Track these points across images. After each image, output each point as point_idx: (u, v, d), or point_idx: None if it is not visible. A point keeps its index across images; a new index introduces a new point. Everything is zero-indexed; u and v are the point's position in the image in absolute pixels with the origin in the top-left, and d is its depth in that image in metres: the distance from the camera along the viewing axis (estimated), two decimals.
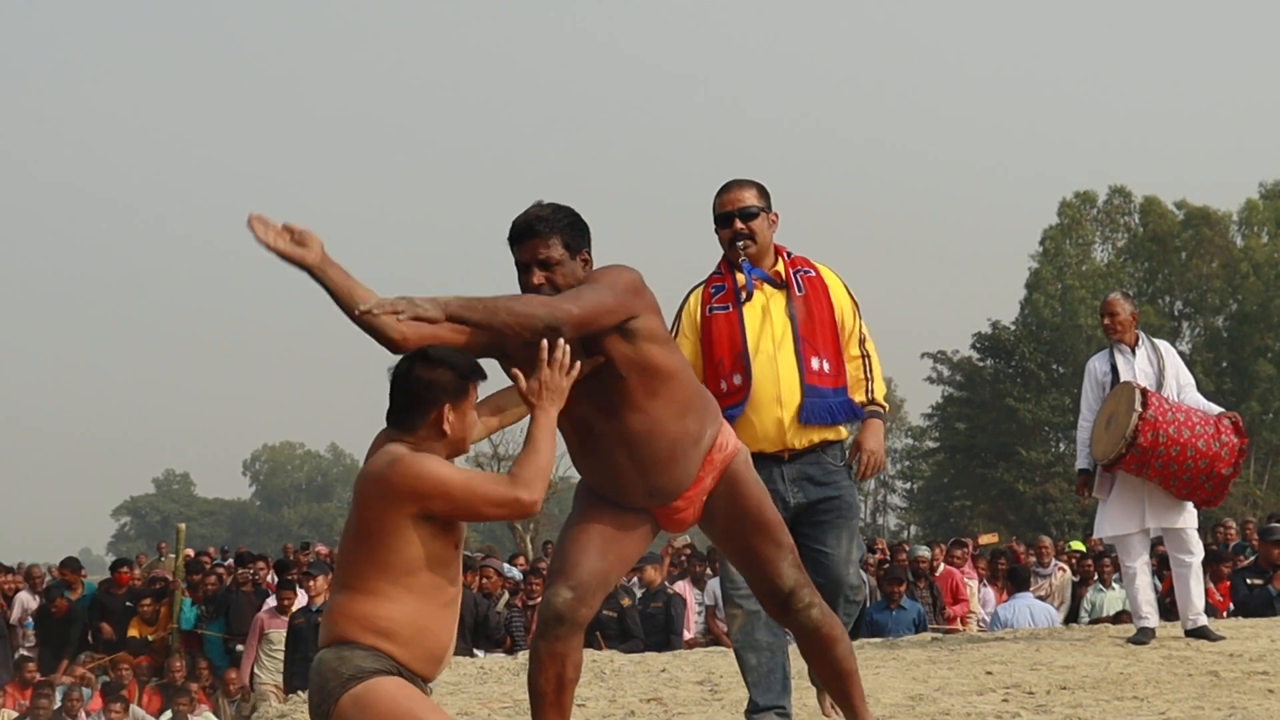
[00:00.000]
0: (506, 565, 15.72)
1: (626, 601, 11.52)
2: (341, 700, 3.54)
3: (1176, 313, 51.58)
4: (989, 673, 6.78)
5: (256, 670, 11.92)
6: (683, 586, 12.32)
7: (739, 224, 5.23)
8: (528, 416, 3.81)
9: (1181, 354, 8.46)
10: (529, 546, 29.60)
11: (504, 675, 7.78)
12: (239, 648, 12.73)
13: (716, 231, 5.31)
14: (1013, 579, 12.60)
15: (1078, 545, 16.98)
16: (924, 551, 12.88)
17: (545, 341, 3.72)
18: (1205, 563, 9.34)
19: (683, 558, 14.20)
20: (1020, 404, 48.40)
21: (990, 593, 13.08)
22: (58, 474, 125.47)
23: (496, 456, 35.96)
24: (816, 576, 4.91)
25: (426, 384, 3.66)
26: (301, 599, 11.94)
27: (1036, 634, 9.11)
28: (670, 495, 4.14)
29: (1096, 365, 8.00)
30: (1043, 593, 12.85)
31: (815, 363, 5.18)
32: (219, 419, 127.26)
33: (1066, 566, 13.59)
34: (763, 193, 5.30)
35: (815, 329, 5.23)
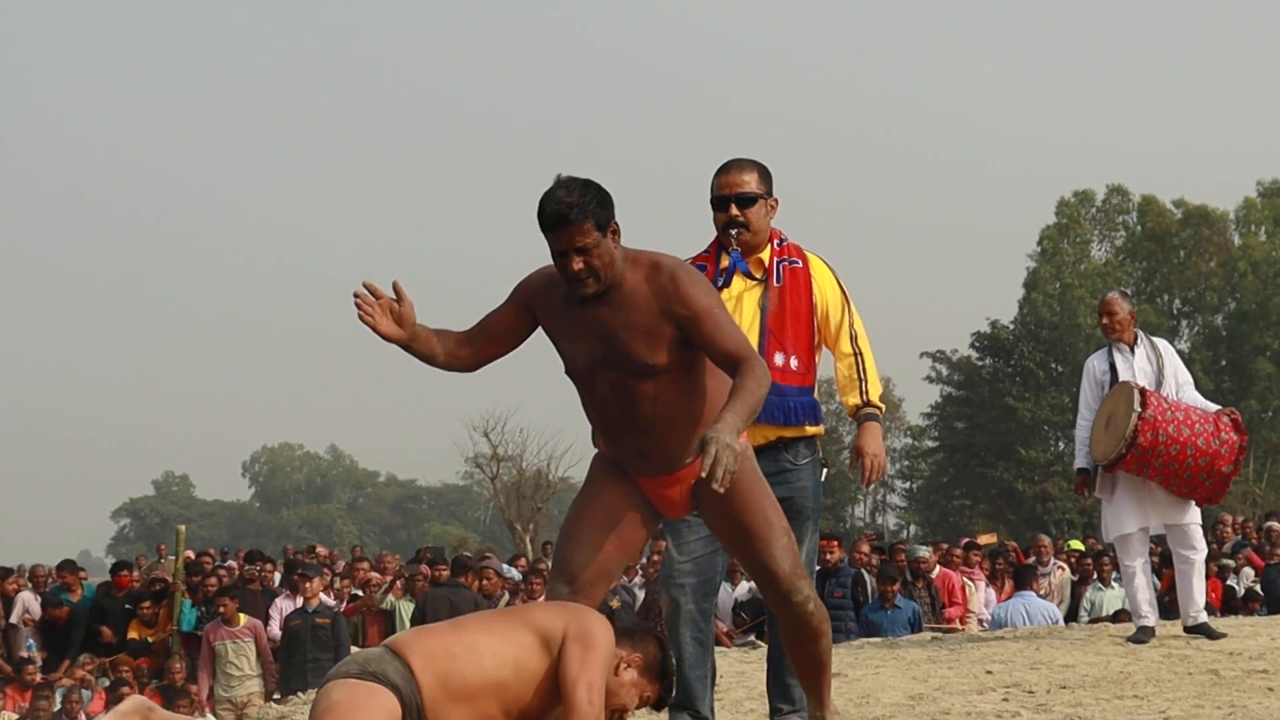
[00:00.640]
0: (506, 566, 15.74)
1: (616, 603, 11.46)
2: None
3: (1175, 311, 51.60)
4: (989, 672, 6.78)
5: (216, 688, 11.84)
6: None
7: (735, 210, 5.00)
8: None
9: (1180, 352, 8.48)
10: (529, 547, 29.60)
11: None
12: None
13: (712, 210, 5.08)
14: (1016, 578, 12.62)
15: (1076, 544, 17.00)
16: (924, 552, 12.86)
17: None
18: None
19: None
20: (1019, 403, 48.43)
21: (991, 593, 13.09)
22: (57, 476, 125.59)
23: (496, 457, 35.96)
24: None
25: None
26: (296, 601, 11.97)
27: (1036, 633, 9.12)
28: (658, 465, 4.20)
29: (1095, 364, 7.99)
30: (1042, 591, 12.86)
31: (779, 358, 4.97)
32: (218, 420, 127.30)
33: (1065, 565, 13.61)
34: (764, 176, 5.07)
35: (786, 323, 5.01)
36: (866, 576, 11.97)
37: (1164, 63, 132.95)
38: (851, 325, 5.15)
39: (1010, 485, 47.80)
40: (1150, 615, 7.75)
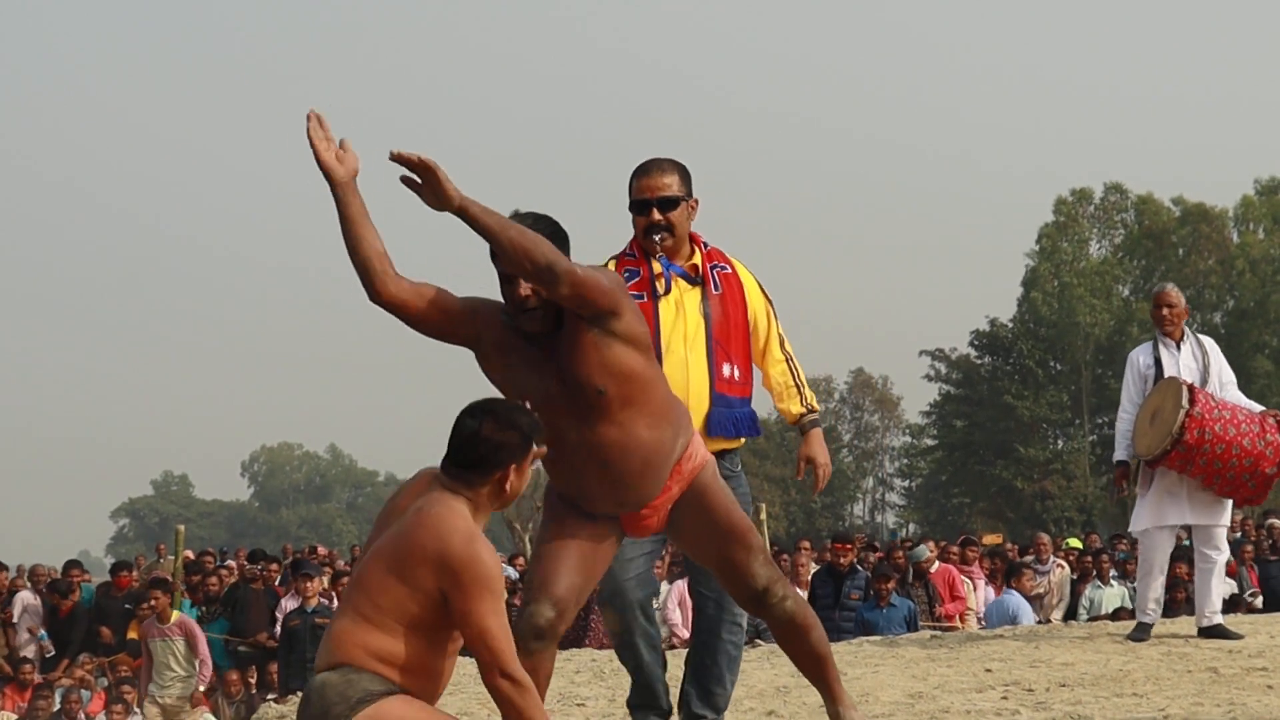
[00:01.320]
0: (505, 565, 15.72)
1: None
2: None
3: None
4: (988, 670, 6.78)
5: (151, 689, 11.45)
6: (681, 585, 12.31)
7: (657, 214, 4.80)
8: None
9: None
10: (527, 546, 29.56)
11: None
12: (241, 648, 12.73)
13: (631, 214, 4.88)
14: (1006, 575, 12.62)
15: (1075, 542, 17.02)
16: (926, 554, 12.82)
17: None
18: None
19: (682, 556, 14.18)
20: (1018, 401, 48.46)
21: (991, 591, 13.09)
22: (56, 476, 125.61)
23: None
24: (703, 589, 4.88)
25: (495, 445, 3.68)
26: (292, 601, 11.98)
27: (1035, 631, 9.12)
28: (638, 505, 4.15)
29: (1140, 358, 7.87)
30: (1041, 590, 12.85)
31: (726, 369, 4.85)
32: (217, 420, 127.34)
33: (1065, 564, 13.60)
34: (685, 177, 4.87)
35: (730, 332, 4.88)
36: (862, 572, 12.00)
37: (1162, 61, 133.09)
38: (779, 332, 5.06)
39: (1009, 483, 47.83)
40: (1154, 614, 7.72)
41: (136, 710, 11.53)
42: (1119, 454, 7.84)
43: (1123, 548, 15.28)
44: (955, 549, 13.65)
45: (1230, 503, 7.74)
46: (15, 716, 11.68)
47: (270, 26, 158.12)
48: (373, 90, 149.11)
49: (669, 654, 5.44)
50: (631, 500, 4.12)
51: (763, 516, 13.07)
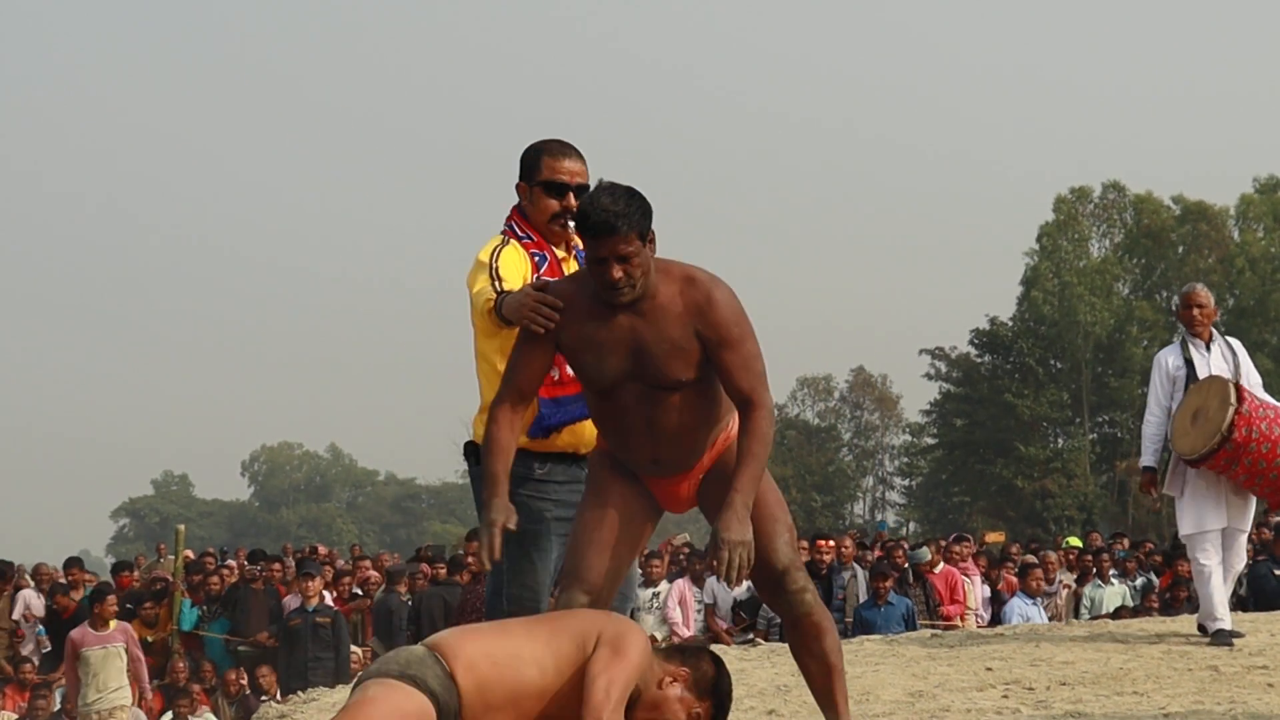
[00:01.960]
0: None
1: None
2: None
3: (1173, 308, 51.53)
4: (989, 669, 6.78)
5: (83, 702, 11.01)
6: (682, 584, 12.33)
7: (573, 201, 4.58)
8: None
9: None
10: None
11: None
12: (241, 648, 12.74)
13: (536, 194, 4.65)
14: (1018, 575, 12.62)
15: (1074, 541, 17.04)
16: (925, 554, 12.80)
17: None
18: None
19: (681, 555, 14.20)
20: (1018, 400, 48.41)
21: (986, 589, 13.09)
22: (56, 476, 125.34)
23: None
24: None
25: None
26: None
27: (1036, 630, 9.12)
28: (672, 469, 4.21)
29: (1168, 360, 7.75)
30: (1051, 613, 12.77)
31: None
32: (217, 420, 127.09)
33: (1071, 581, 13.48)
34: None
35: None
36: (859, 571, 12.01)
37: (1162, 60, 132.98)
38: None
39: (1010, 482, 47.78)
40: (1227, 618, 7.50)
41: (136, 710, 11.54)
42: (1146, 459, 7.71)
43: (1122, 547, 15.29)
44: (956, 547, 13.63)
45: (1253, 509, 7.63)
46: (15, 716, 11.69)
47: (270, 26, 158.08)
48: (373, 90, 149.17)
49: None
50: (667, 461, 4.18)
51: None
